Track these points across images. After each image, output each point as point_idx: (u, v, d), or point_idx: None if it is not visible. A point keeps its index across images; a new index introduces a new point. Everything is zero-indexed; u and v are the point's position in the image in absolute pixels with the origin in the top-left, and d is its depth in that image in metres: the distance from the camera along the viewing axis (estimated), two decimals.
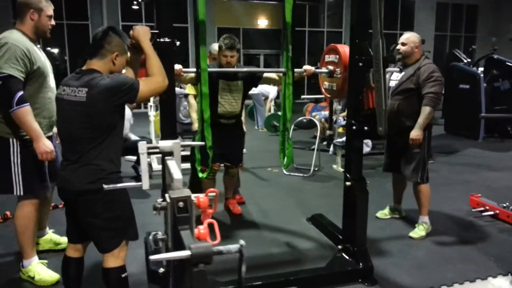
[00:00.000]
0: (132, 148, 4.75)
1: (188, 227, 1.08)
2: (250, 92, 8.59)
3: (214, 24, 14.03)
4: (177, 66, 2.84)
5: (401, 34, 3.52)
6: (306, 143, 6.58)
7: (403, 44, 3.33)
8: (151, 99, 5.52)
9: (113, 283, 2.09)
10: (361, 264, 2.74)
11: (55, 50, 13.90)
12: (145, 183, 1.35)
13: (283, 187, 4.90)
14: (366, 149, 5.96)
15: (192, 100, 3.92)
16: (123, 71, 2.30)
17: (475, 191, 4.23)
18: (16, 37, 2.50)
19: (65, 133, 2.01)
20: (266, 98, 9.00)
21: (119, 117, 2.01)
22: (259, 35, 14.78)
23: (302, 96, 6.09)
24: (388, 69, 2.79)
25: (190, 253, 0.97)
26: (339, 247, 2.94)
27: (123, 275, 2.10)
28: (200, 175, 3.04)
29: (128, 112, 5.03)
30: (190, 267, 0.99)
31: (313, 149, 5.64)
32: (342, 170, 5.48)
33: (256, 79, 3.52)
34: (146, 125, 5.83)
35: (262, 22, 14.65)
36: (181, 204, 1.09)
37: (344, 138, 5.73)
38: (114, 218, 2.02)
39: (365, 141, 5.78)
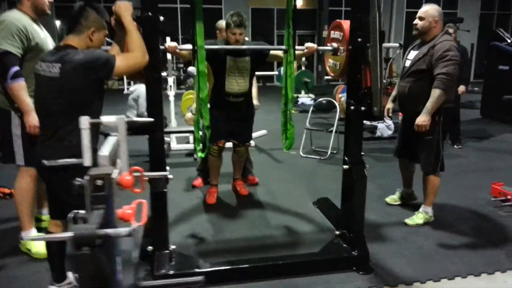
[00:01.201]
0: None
1: (103, 207, 1.02)
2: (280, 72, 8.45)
3: (248, 4, 13.85)
4: (172, 43, 2.80)
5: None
6: (326, 125, 6.36)
7: (421, 18, 3.04)
8: (170, 79, 5.54)
9: None
10: (356, 251, 2.62)
11: None
12: (87, 160, 1.30)
13: (298, 170, 4.79)
14: (388, 132, 5.71)
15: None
16: (109, 47, 2.28)
17: (502, 179, 3.95)
18: (14, 16, 2.56)
19: (41, 109, 2.02)
20: None
21: (94, 93, 1.98)
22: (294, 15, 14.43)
23: (326, 77, 5.84)
24: (385, 44, 2.58)
25: (72, 235, 0.91)
26: (337, 232, 2.83)
27: None
28: (199, 154, 2.99)
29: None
30: (74, 249, 0.93)
31: (332, 131, 5.46)
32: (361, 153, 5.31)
33: (263, 56, 3.40)
34: (166, 105, 5.81)
35: (297, 2, 14.26)
36: (99, 182, 1.04)
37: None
38: None
39: (387, 123, 5.54)
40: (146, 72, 2.27)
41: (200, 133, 2.97)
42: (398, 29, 14.02)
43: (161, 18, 2.26)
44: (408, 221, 3.22)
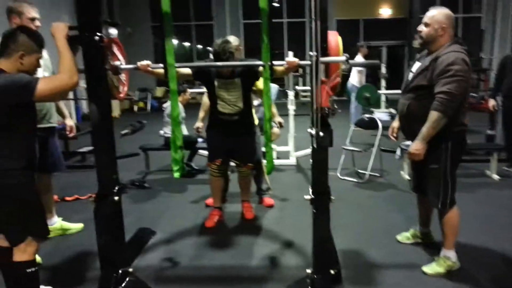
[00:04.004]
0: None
1: None
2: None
3: (332, 16, 13.50)
4: (144, 62, 2.76)
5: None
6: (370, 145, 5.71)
7: (426, 24, 2.56)
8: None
9: (16, 276, 2.13)
10: None
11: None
12: None
13: None
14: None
15: (205, 98, 3.81)
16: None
17: None
18: None
19: None
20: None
21: (15, 117, 2.01)
22: (382, 25, 13.72)
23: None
24: (329, 58, 2.17)
25: None
26: (308, 271, 2.50)
27: (28, 270, 2.12)
28: (175, 175, 2.90)
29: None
30: None
31: (378, 151, 4.94)
32: (409, 178, 4.70)
33: (255, 73, 3.20)
34: None
35: (385, 12, 13.52)
36: None
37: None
38: (10, 213, 2.06)
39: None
40: (88, 91, 2.29)
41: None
42: (503, 35, 12.39)
43: (97, 37, 2.23)
44: (427, 269, 2.67)
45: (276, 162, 5.46)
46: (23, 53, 2.06)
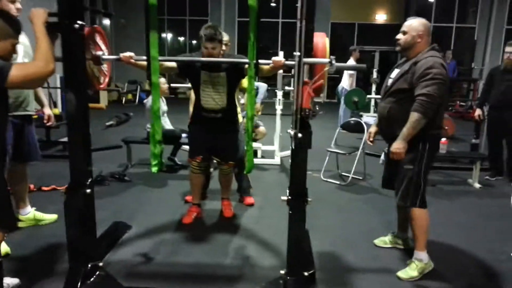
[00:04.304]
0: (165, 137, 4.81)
1: None
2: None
3: (328, 19, 13.51)
4: (127, 53, 2.70)
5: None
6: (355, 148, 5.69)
7: (404, 32, 2.66)
8: None
9: None
10: None
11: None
12: None
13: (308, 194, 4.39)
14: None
15: (193, 93, 3.76)
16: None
17: None
18: None
19: None
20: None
21: None
22: (376, 30, 13.76)
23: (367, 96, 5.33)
24: (313, 60, 2.13)
25: None
26: (281, 271, 2.47)
27: None
28: (153, 169, 2.86)
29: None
30: None
31: (363, 155, 4.93)
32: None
33: (241, 70, 3.16)
34: None
35: (380, 17, 13.57)
36: None
37: None
38: None
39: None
40: (66, 79, 2.23)
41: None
42: (495, 47, 12.51)
43: (78, 25, 2.18)
44: (401, 274, 2.67)
45: (260, 161, 5.46)
46: None
